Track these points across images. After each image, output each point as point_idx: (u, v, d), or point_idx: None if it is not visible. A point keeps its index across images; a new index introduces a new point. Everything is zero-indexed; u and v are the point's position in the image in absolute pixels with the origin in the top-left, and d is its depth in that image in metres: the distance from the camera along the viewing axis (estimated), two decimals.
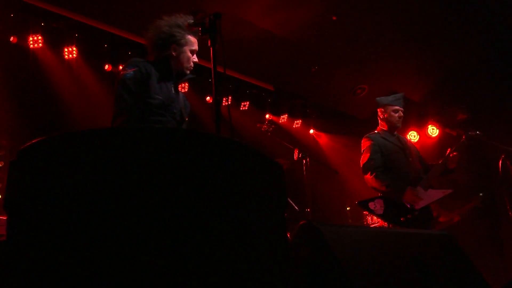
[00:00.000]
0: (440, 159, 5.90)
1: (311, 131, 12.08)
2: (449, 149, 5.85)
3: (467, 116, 9.93)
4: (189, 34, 4.13)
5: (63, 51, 8.25)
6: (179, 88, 4.44)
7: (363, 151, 6.02)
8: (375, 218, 9.06)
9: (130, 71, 3.93)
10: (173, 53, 4.14)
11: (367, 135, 6.14)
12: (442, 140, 9.71)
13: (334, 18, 8.50)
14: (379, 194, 5.77)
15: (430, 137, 10.74)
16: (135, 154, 1.84)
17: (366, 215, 9.30)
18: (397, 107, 6.11)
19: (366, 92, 11.00)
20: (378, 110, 6.21)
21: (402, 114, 6.13)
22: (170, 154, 1.87)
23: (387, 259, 2.73)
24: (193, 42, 4.17)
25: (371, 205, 5.57)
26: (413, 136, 10.78)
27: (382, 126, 6.18)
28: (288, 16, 8.31)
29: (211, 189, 1.89)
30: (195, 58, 4.21)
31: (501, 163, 5.72)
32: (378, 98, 6.26)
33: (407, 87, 10.58)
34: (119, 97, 3.87)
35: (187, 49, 4.14)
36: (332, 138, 12.24)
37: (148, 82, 3.95)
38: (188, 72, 4.25)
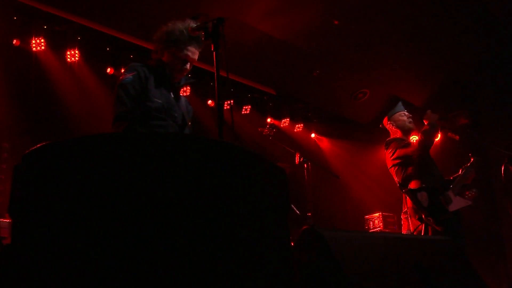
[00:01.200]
0: (454, 173, 5.94)
1: (313, 135, 12.08)
2: (462, 167, 5.90)
3: (469, 121, 9.94)
4: (185, 42, 4.08)
5: (65, 54, 8.27)
6: (181, 92, 4.43)
7: (395, 149, 6.01)
8: (376, 223, 9.08)
9: (129, 76, 3.95)
10: (164, 58, 4.14)
11: (389, 139, 6.20)
12: (444, 145, 9.70)
13: (336, 22, 8.50)
14: (421, 186, 5.75)
15: None
16: (140, 159, 1.84)
17: (368, 219, 9.31)
18: (402, 112, 6.23)
19: (367, 96, 10.99)
20: (388, 126, 6.29)
21: (410, 115, 6.23)
22: (174, 159, 1.87)
23: (389, 265, 2.74)
24: (184, 49, 4.10)
25: (419, 195, 5.58)
26: (415, 140, 10.77)
27: (396, 134, 6.24)
28: (290, 20, 8.31)
29: (214, 194, 1.90)
30: (187, 66, 4.17)
31: (504, 168, 5.74)
32: (386, 117, 6.37)
33: (409, 91, 10.58)
34: (118, 101, 3.88)
35: (177, 55, 4.09)
36: (334, 142, 12.24)
37: (147, 86, 3.96)
38: (176, 79, 4.22)
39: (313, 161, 7.94)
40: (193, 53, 4.14)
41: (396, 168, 6.00)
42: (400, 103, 6.42)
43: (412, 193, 5.66)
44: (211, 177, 1.91)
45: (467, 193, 5.88)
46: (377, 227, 9.02)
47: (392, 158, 6.02)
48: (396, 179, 6.06)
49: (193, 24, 3.93)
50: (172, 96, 4.17)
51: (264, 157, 2.19)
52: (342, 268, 2.42)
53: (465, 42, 9.24)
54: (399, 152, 5.96)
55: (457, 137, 6.19)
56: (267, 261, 2.01)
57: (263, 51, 9.07)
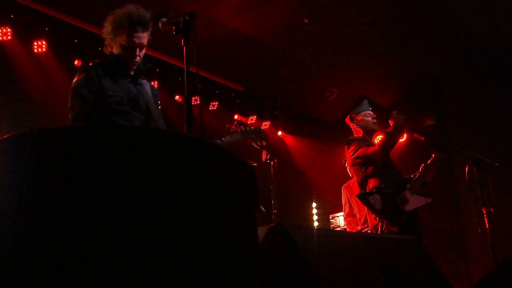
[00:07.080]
0: (415, 172, 5.94)
1: (279, 133, 12.12)
2: (423, 164, 5.90)
3: (435, 123, 10.06)
4: (127, 29, 3.92)
5: (32, 44, 8.15)
6: (146, 80, 4.30)
7: (356, 148, 6.00)
8: (341, 221, 9.13)
9: (80, 77, 3.85)
10: (114, 50, 4.04)
11: (351, 138, 6.20)
12: (409, 145, 9.81)
13: (306, 21, 8.53)
14: (375, 188, 5.75)
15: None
16: (106, 152, 1.83)
17: (332, 218, 9.35)
18: (367, 112, 6.21)
19: (335, 95, 11.06)
20: (352, 124, 6.27)
21: (375, 115, 6.22)
22: (138, 154, 1.86)
23: (355, 263, 2.76)
24: (129, 36, 3.91)
25: (371, 198, 5.55)
26: (378, 141, 10.83)
27: (358, 134, 6.23)
28: (260, 17, 8.31)
29: (181, 189, 1.88)
30: (137, 53, 3.99)
31: (467, 170, 5.78)
32: (349, 115, 6.35)
33: (376, 91, 10.67)
34: (72, 106, 3.77)
35: (123, 44, 3.97)
36: (300, 140, 12.28)
37: (101, 84, 3.86)
38: (130, 68, 4.11)
39: (280, 159, 7.96)
40: (139, 37, 3.95)
41: (356, 167, 6.01)
42: (365, 102, 6.37)
43: (364, 197, 5.67)
44: (178, 172, 1.90)
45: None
46: (343, 226, 9.05)
47: (352, 157, 6.02)
48: (355, 178, 6.09)
49: (163, 18, 3.86)
50: (133, 85, 4.08)
51: (233, 153, 2.18)
52: (308, 266, 2.43)
53: (433, 43, 9.35)
54: (360, 152, 5.95)
55: (423, 138, 6.23)
56: (234, 258, 2.01)
57: (232, 47, 9.07)
